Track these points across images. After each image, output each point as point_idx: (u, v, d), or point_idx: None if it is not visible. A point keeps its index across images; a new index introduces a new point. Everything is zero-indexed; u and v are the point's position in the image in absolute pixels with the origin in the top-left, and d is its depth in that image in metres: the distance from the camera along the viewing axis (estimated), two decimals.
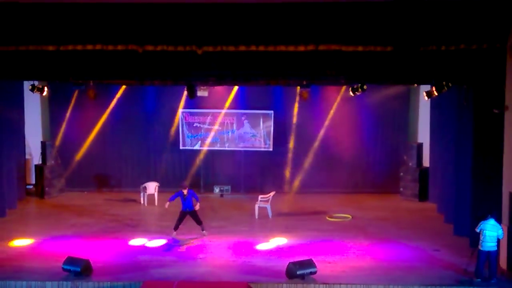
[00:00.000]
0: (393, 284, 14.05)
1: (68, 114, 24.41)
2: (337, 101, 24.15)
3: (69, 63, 16.16)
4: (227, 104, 24.22)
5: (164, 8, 14.86)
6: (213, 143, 24.48)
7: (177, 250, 16.73)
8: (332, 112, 24.31)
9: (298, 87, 21.80)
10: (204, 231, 18.03)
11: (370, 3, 14.69)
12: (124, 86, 23.49)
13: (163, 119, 24.56)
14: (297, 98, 23.39)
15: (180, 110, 24.28)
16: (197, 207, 18.09)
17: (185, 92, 20.41)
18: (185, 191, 17.89)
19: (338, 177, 24.43)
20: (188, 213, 17.95)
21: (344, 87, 23.09)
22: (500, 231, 14.24)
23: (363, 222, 19.90)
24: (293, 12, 14.80)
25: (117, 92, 23.96)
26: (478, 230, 14.26)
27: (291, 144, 24.48)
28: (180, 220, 17.92)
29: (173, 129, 24.51)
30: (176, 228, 17.86)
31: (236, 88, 23.66)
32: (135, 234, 18.22)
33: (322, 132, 24.35)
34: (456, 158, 18.17)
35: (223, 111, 24.28)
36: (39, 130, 24.52)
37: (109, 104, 24.29)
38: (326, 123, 24.34)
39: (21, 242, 17.24)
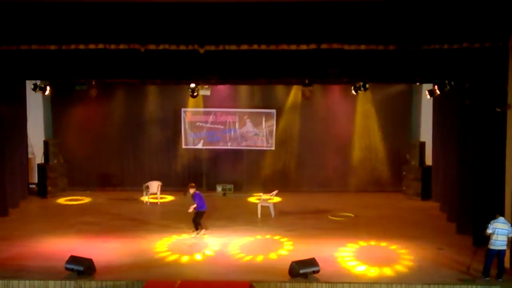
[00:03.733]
0: (396, 283, 14.04)
1: (70, 113, 24.46)
2: (340, 100, 24.15)
3: (71, 63, 16.18)
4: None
5: (166, 7, 14.87)
6: (215, 142, 24.49)
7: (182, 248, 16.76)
8: (334, 111, 24.31)
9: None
10: (195, 233, 17.84)
11: (372, 2, 14.69)
12: None
13: (165, 118, 24.58)
14: (299, 97, 23.38)
15: (183, 109, 24.28)
16: (190, 209, 17.85)
17: (188, 91, 20.42)
18: (191, 190, 17.87)
19: (341, 175, 24.41)
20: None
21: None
22: (510, 229, 14.21)
23: (366, 221, 19.89)
24: (295, 11, 14.80)
25: (119, 91, 24.07)
26: (490, 231, 14.14)
27: (293, 143, 24.49)
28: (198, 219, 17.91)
29: (176, 128, 24.52)
30: (196, 228, 17.87)
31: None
32: (138, 233, 18.23)
33: (324, 131, 24.34)
34: (458, 157, 18.15)
35: (225, 109, 24.30)
36: (41, 129, 24.51)
37: (111, 103, 24.35)
38: (329, 121, 24.33)
39: (23, 242, 17.29)
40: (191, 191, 17.87)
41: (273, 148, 24.39)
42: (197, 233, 17.77)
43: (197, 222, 17.81)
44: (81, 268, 14.36)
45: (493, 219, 14.17)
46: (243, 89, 24.15)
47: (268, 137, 24.32)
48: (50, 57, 15.79)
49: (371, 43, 15.00)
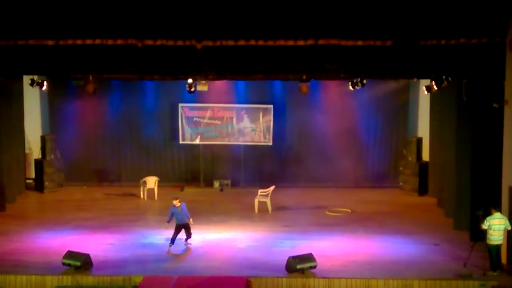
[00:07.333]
0: (393, 278, 14.05)
1: (67, 109, 24.42)
2: (337, 95, 24.13)
3: (68, 58, 16.18)
4: None
5: (163, 2, 14.83)
6: (212, 137, 24.47)
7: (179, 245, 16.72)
8: (332, 106, 24.29)
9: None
10: (189, 242, 16.58)
11: None
12: None
13: (162, 113, 24.57)
14: (297, 92, 23.36)
15: (180, 105, 24.25)
16: (191, 221, 16.58)
17: (185, 87, 20.39)
18: (176, 203, 16.30)
19: (338, 171, 24.38)
20: (182, 226, 16.35)
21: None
22: (508, 222, 14.27)
23: (363, 216, 19.91)
24: (293, 6, 14.77)
25: (116, 87, 24.04)
26: (486, 227, 14.19)
27: (290, 139, 24.48)
28: (177, 233, 16.28)
29: (173, 123, 24.50)
30: (173, 241, 16.18)
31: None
32: (135, 228, 18.24)
33: (321, 127, 24.33)
34: (456, 152, 18.16)
35: (223, 105, 24.29)
36: (38, 124, 24.50)
37: (108, 98, 24.31)
38: (326, 117, 24.32)
39: (20, 237, 17.27)
40: (177, 204, 16.34)
41: (271, 144, 24.37)
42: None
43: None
44: (78, 264, 14.35)
45: (489, 215, 14.24)
46: (241, 85, 24.10)
47: (265, 133, 24.30)
48: (48, 52, 15.76)
49: (369, 38, 14.98)
